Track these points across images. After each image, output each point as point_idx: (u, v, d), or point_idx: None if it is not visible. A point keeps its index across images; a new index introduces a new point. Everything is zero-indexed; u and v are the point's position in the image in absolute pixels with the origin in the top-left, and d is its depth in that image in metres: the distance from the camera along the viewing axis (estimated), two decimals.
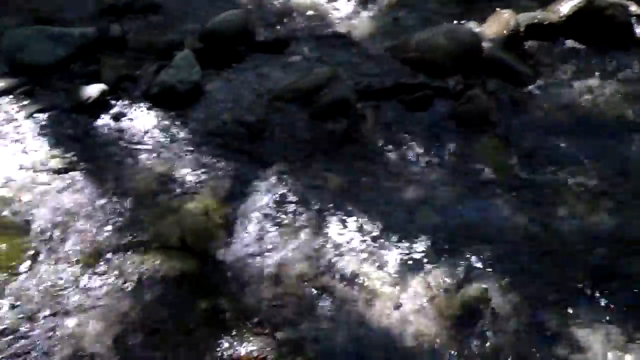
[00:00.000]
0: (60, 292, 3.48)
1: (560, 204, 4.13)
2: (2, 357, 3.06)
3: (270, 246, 3.79)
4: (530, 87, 4.95)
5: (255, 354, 3.16)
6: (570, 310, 3.51)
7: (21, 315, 3.31)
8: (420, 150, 4.49)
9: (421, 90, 4.86)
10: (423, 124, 4.57)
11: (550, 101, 4.83)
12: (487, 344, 3.30)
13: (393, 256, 3.79)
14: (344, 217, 4.00)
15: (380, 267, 3.71)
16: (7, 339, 3.20)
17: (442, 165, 4.38)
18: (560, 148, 4.44)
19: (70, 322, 3.30)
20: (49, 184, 4.11)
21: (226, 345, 3.21)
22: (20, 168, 4.23)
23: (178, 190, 4.10)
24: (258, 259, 3.67)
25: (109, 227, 3.83)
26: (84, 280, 3.49)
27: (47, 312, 3.34)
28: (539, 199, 4.11)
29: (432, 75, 5.04)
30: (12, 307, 3.33)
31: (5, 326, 3.25)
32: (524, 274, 3.72)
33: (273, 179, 4.12)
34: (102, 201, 4.02)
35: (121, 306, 3.39)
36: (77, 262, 3.65)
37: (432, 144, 4.44)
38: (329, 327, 3.33)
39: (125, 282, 3.53)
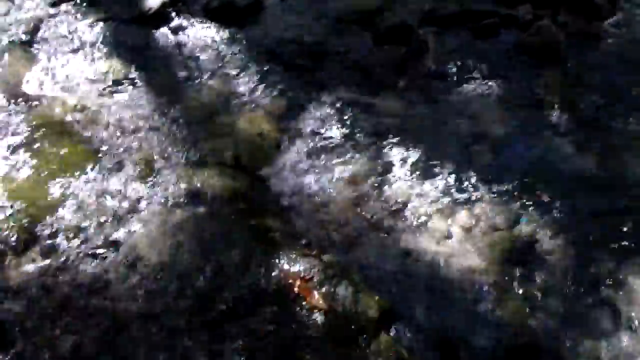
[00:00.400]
0: (117, 200, 3.54)
1: (627, 148, 3.99)
2: (60, 257, 3.21)
3: (322, 169, 3.80)
4: (606, 22, 4.68)
5: (302, 274, 3.21)
6: (623, 257, 3.44)
7: (80, 219, 3.42)
8: (482, 81, 4.34)
9: (488, 18, 4.71)
10: (487, 54, 4.42)
11: (627, 38, 4.56)
12: (534, 284, 3.27)
13: (445, 188, 3.67)
14: (398, 145, 3.93)
15: (430, 199, 3.67)
16: (66, 240, 3.32)
17: (504, 99, 4.20)
18: (634, 89, 4.21)
19: (125, 229, 3.38)
20: (109, 95, 4.17)
21: (274, 263, 3.27)
22: (82, 77, 4.30)
23: (234, 108, 4.07)
24: (310, 181, 3.69)
25: (166, 141, 3.86)
26: (139, 190, 3.58)
27: (103, 218, 3.43)
28: (604, 141, 3.96)
29: (500, 2, 4.89)
30: (75, 211, 3.44)
31: (65, 228, 3.37)
32: (579, 217, 3.56)
33: (329, 102, 4.09)
34: (160, 115, 4.05)
35: (175, 218, 3.44)
36: (134, 172, 3.73)
37: (494, 75, 4.30)
38: (376, 254, 3.36)
39: (179, 195, 3.56)
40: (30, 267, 3.19)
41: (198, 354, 2.92)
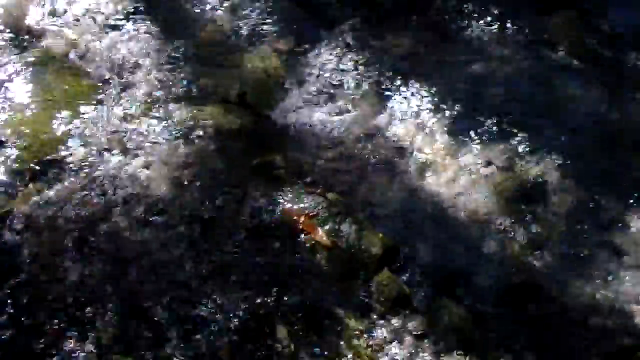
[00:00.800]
0: (123, 134, 3.52)
1: (637, 87, 3.90)
2: (66, 189, 3.23)
3: (329, 108, 3.75)
4: None
5: (306, 211, 3.23)
6: (629, 197, 3.41)
7: (84, 152, 3.42)
8: (494, 20, 4.20)
9: None
10: None
11: None
12: (537, 224, 3.28)
13: (452, 128, 3.65)
14: (406, 84, 3.83)
15: (437, 138, 3.62)
16: (71, 173, 3.33)
17: (514, 39, 4.13)
18: None
19: (132, 162, 3.38)
20: (115, 30, 4.02)
21: (279, 199, 3.29)
22: (84, 11, 4.15)
23: (240, 45, 4.02)
24: (316, 119, 3.67)
25: (171, 76, 3.81)
26: (144, 125, 3.56)
27: (113, 151, 3.43)
28: (617, 83, 3.89)
29: None
30: (79, 144, 3.44)
31: (70, 161, 3.38)
32: (587, 159, 3.56)
33: (338, 40, 4.03)
34: (164, 50, 3.92)
35: (179, 152, 3.44)
36: (139, 107, 3.64)
37: (507, 14, 4.20)
38: (381, 193, 3.38)
39: (184, 131, 3.55)
40: (37, 198, 3.20)
41: (201, 285, 2.96)
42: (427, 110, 3.73)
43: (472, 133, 3.70)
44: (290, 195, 3.31)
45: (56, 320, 2.82)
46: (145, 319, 2.85)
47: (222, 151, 3.46)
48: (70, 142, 3.43)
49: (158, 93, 3.77)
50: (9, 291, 2.88)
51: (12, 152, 3.37)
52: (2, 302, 2.84)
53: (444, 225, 3.29)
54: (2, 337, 2.74)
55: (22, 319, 2.80)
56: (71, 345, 2.74)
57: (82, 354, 2.71)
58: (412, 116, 3.70)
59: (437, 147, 3.59)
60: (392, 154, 3.55)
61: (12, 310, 2.83)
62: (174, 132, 3.53)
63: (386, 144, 3.59)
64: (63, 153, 3.39)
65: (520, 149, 3.63)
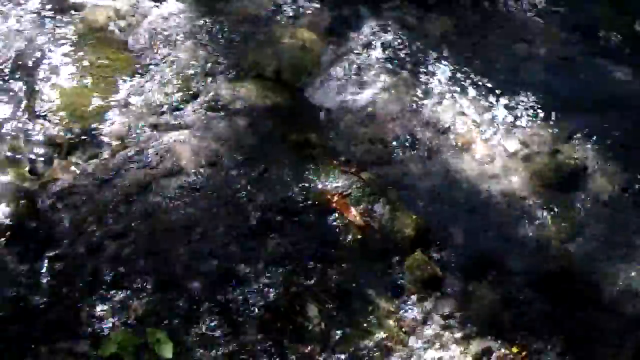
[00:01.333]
0: (160, 108, 3.52)
1: None
2: (104, 163, 3.24)
3: (365, 86, 3.67)
4: None
5: (340, 190, 3.22)
6: None
7: (122, 126, 3.43)
8: (537, 3, 4.15)
9: None
10: None
11: None
12: (576, 210, 3.26)
13: (491, 109, 3.60)
14: (445, 64, 3.78)
15: (475, 119, 3.56)
16: (109, 146, 3.35)
17: (559, 22, 4.08)
18: None
19: (168, 136, 3.37)
20: (155, 3, 3.99)
21: (313, 178, 3.27)
22: None
23: (277, 21, 3.98)
24: (351, 97, 3.63)
25: (208, 51, 3.78)
26: (181, 99, 3.55)
27: (150, 124, 3.44)
28: None
29: None
30: (117, 117, 3.46)
31: (108, 134, 3.39)
32: (628, 144, 3.51)
33: (376, 17, 3.98)
34: (202, 26, 3.89)
35: (215, 128, 3.43)
36: (176, 81, 3.62)
37: None
38: (416, 174, 3.35)
39: (219, 106, 3.53)
40: (75, 170, 3.23)
41: (235, 261, 2.97)
42: (465, 91, 3.67)
43: (510, 114, 3.64)
44: (324, 174, 3.29)
45: (91, 292, 2.83)
46: (178, 293, 2.86)
47: (257, 128, 3.45)
48: (108, 115, 3.45)
49: (195, 67, 3.74)
50: (46, 262, 2.89)
51: (51, 124, 3.38)
52: (39, 273, 2.86)
53: (479, 207, 3.27)
54: (38, 308, 2.76)
55: (58, 290, 2.82)
56: (105, 318, 2.76)
57: (117, 325, 2.73)
58: (449, 96, 3.65)
59: (473, 128, 3.54)
60: (427, 134, 3.51)
61: (48, 281, 2.85)
62: (210, 107, 3.52)
63: (422, 123, 3.54)
64: (101, 125, 3.41)
65: (560, 132, 3.59)
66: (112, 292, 2.84)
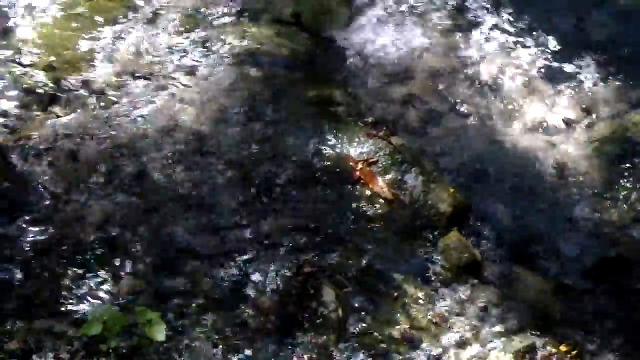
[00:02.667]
0: (156, 56, 3.49)
1: None
2: (88, 116, 3.20)
3: (401, 36, 3.65)
4: None
5: (365, 157, 3.18)
6: None
7: (109, 75, 3.39)
8: None
9: None
10: None
11: None
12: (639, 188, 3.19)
13: (547, 69, 3.60)
14: (496, 15, 3.77)
15: (528, 80, 3.54)
16: (98, 97, 3.31)
17: None
18: None
19: (165, 89, 3.34)
20: None
21: (335, 141, 3.22)
22: None
23: None
24: (383, 48, 3.60)
25: None
26: (181, 47, 3.52)
27: (144, 75, 3.40)
28: None
29: None
30: (106, 66, 3.42)
31: (93, 84, 3.35)
32: None
33: None
34: None
35: (221, 80, 3.39)
36: (176, 26, 3.61)
37: None
38: (454, 140, 3.32)
39: (227, 54, 3.49)
40: (55, 124, 3.17)
41: (239, 235, 2.93)
42: (519, 47, 3.63)
43: (569, 77, 3.57)
44: (348, 137, 3.24)
45: (73, 264, 2.77)
46: (172, 271, 2.80)
47: (271, 80, 3.39)
48: (96, 63, 3.39)
49: (199, 10, 3.67)
50: (21, 228, 2.83)
51: (30, 70, 3.34)
52: (13, 240, 2.80)
53: (528, 182, 3.22)
54: (11, 281, 2.70)
55: (36, 260, 2.76)
56: (89, 294, 2.70)
57: (100, 302, 2.68)
58: (499, 53, 3.61)
59: (525, 90, 3.51)
60: (471, 95, 3.47)
61: (24, 251, 2.78)
62: (215, 56, 3.47)
63: (465, 82, 3.50)
64: (87, 74, 3.35)
65: (628, 97, 3.47)
66: (96, 265, 2.77)
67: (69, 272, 2.74)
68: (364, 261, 2.93)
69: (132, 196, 2.98)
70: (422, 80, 3.50)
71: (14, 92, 3.24)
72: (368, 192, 3.11)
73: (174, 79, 3.39)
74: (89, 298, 2.68)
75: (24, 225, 2.84)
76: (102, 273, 2.75)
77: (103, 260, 2.78)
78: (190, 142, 3.17)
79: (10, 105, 3.20)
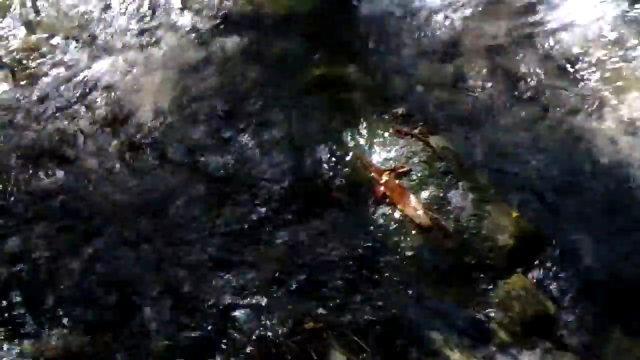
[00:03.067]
0: (97, 13, 3.25)
1: None
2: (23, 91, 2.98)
3: None
4: None
5: (392, 164, 2.85)
6: None
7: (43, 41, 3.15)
8: None
9: None
10: None
11: None
12: None
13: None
14: None
15: (623, 63, 3.13)
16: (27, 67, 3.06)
17: None
18: None
19: (107, 60, 3.10)
20: None
21: (348, 140, 2.91)
22: None
23: None
24: (418, 11, 3.29)
25: None
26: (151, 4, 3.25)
27: (82, 40, 3.16)
28: None
29: None
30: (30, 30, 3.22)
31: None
32: None
33: None
34: None
35: (201, 52, 3.13)
36: None
37: None
38: (520, 145, 2.94)
39: (211, 16, 3.23)
40: None
41: (218, 274, 2.63)
42: (610, 16, 3.31)
43: None
44: (369, 136, 2.95)
45: None
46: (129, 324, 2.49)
47: (267, 53, 3.14)
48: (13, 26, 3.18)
49: None
50: None
51: None
52: None
53: (622, 203, 2.84)
54: None
55: None
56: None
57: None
58: (583, 23, 3.30)
59: (621, 75, 3.14)
60: (542, 80, 3.13)
61: None
62: (199, 16, 3.24)
63: (534, 62, 3.17)
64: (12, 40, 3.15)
65: None
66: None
67: None
68: (389, 314, 2.58)
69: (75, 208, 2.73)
70: (474, 57, 3.21)
71: None
72: (396, 216, 2.79)
73: (136, 49, 3.14)
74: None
75: None
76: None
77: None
78: (150, 142, 2.88)
79: None
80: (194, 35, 3.17)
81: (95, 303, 2.59)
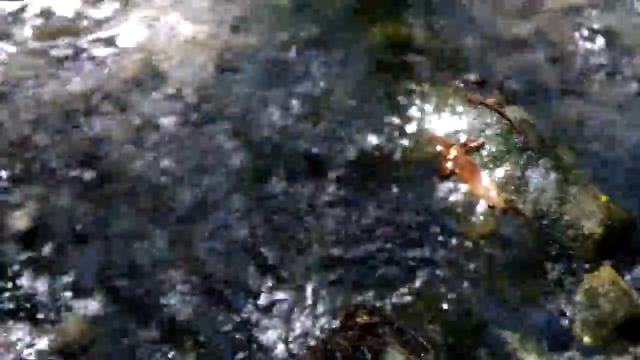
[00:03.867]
0: None
1: None
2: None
3: None
4: None
5: (462, 137, 2.70)
6: None
7: None
8: None
9: None
10: None
11: None
12: None
13: None
14: None
15: None
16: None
17: None
18: None
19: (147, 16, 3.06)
20: None
21: (412, 109, 2.77)
22: None
23: None
24: None
25: None
26: None
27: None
28: None
29: None
30: None
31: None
32: None
33: None
34: None
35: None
36: None
37: None
38: (614, 116, 2.80)
39: None
40: None
41: (259, 258, 2.48)
42: None
43: None
44: (436, 105, 2.82)
45: None
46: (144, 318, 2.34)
47: (319, 7, 3.07)
48: None
49: None
50: None
51: None
52: None
53: None
54: None
55: None
56: None
57: None
58: None
59: None
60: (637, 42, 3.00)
61: None
62: None
63: (627, 19, 3.07)
64: None
65: None
66: None
67: None
68: (454, 309, 2.42)
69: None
70: (558, 16, 3.11)
71: None
72: (465, 196, 2.63)
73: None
74: None
75: None
76: None
77: None
78: (174, 109, 2.76)
79: None
80: None
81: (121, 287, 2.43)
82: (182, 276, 2.47)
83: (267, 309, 2.41)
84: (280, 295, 2.42)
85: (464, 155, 2.71)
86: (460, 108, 2.82)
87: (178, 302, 2.48)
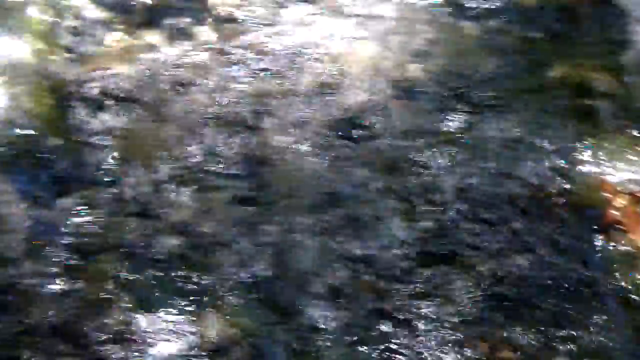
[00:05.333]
0: None
1: None
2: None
3: None
4: None
5: (631, 187, 2.64)
6: None
7: None
8: None
9: None
10: None
11: None
12: None
13: None
14: None
15: None
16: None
17: None
18: None
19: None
20: None
21: (582, 154, 2.76)
22: None
23: None
24: None
25: None
26: None
27: None
28: None
29: None
30: None
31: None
32: None
33: None
34: None
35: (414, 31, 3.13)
36: None
37: None
38: None
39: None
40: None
41: (399, 283, 2.47)
42: None
43: None
44: (609, 150, 2.80)
45: None
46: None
47: (500, 42, 3.10)
48: None
49: None
50: None
51: None
52: None
53: None
54: None
55: None
56: None
57: None
58: None
59: None
60: None
61: None
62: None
63: None
64: None
65: None
66: None
67: None
68: (599, 354, 2.38)
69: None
70: None
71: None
72: (627, 247, 2.58)
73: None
74: None
75: None
76: None
77: None
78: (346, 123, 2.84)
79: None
80: (424, 12, 3.19)
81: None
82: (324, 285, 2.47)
83: (403, 335, 2.39)
84: (420, 324, 2.41)
85: (632, 205, 2.68)
86: (634, 157, 2.79)
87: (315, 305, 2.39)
